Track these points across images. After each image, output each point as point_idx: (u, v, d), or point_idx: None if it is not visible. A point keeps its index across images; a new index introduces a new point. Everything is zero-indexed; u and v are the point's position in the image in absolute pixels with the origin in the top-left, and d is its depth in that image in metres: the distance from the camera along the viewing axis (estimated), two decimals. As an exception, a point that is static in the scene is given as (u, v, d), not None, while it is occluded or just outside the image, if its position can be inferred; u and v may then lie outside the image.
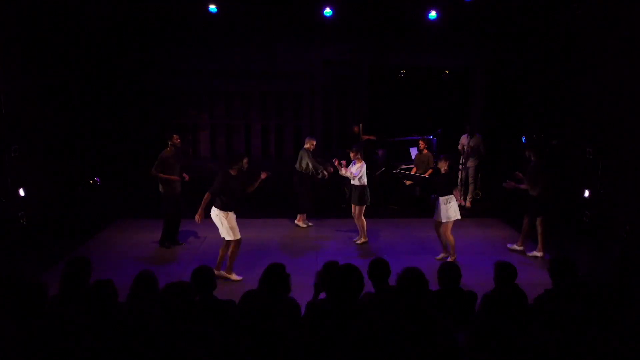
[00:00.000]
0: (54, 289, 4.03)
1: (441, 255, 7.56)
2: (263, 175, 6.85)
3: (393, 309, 3.55)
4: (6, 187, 7.87)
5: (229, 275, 6.69)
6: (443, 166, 7.42)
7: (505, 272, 4.17)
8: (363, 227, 8.22)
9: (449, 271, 4.23)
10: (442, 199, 7.32)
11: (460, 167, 10.41)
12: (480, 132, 10.69)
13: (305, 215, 9.18)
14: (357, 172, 7.98)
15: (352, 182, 8.15)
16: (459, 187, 10.53)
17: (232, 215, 6.64)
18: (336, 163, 8.29)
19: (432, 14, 10.09)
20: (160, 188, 7.73)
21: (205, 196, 6.53)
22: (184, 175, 7.89)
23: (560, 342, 3.26)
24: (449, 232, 7.39)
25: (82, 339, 3.20)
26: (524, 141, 11.28)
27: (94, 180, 10.32)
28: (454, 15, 10.35)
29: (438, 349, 3.13)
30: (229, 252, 6.71)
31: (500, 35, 10.99)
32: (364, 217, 8.21)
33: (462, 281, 4.26)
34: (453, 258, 7.38)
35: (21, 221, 8.08)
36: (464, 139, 10.56)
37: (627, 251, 7.27)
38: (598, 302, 3.80)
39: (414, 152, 10.82)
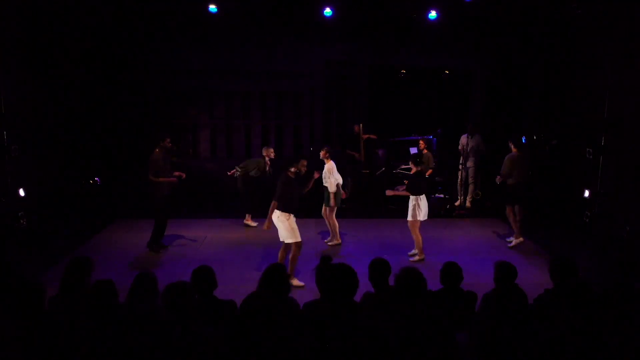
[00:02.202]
0: (54, 289, 4.04)
1: (413, 252, 7.60)
2: (316, 175, 6.95)
3: (392, 308, 3.54)
4: (6, 187, 7.86)
5: (291, 281, 6.49)
6: (413, 167, 7.51)
7: (505, 272, 4.17)
8: (334, 228, 8.15)
9: (451, 271, 4.23)
10: (411, 198, 7.39)
11: (460, 167, 10.41)
12: (480, 132, 10.69)
13: (250, 214, 9.31)
14: (333, 178, 7.90)
15: (323, 182, 8.05)
16: (459, 187, 10.53)
17: (293, 217, 6.58)
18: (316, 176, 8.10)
19: (432, 14, 10.08)
20: (149, 190, 7.62)
21: (272, 205, 6.54)
22: (181, 174, 7.79)
23: (560, 342, 3.26)
24: (416, 230, 7.46)
25: (82, 339, 3.20)
26: (524, 141, 11.29)
27: (94, 180, 10.32)
28: (454, 16, 10.34)
29: (438, 349, 3.13)
30: (290, 256, 6.58)
31: (500, 36, 10.99)
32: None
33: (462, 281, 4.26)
34: (419, 258, 7.46)
35: (21, 221, 8.07)
36: (463, 139, 10.56)
37: (627, 251, 7.27)
38: (598, 302, 3.80)
39: (414, 152, 10.82)
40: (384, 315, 3.47)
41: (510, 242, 8.28)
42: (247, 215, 9.33)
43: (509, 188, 8.19)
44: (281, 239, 6.64)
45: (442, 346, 3.14)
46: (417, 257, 7.49)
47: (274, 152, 9.42)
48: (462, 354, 3.13)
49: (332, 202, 7.95)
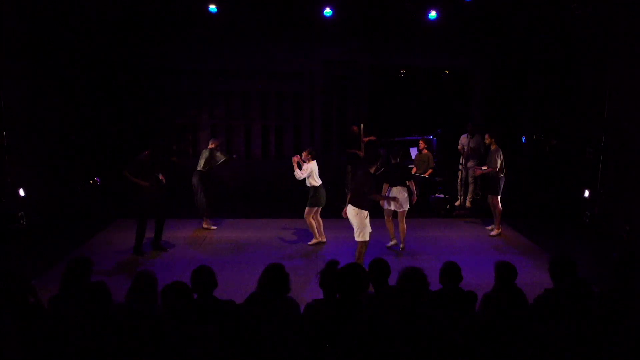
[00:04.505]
0: (54, 289, 4.05)
1: (391, 243, 7.99)
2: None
3: (393, 308, 3.55)
4: (6, 187, 7.86)
5: None
6: (392, 160, 7.95)
7: (505, 271, 4.17)
8: (312, 228, 8.07)
9: (451, 271, 4.23)
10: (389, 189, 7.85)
11: (460, 167, 10.42)
12: (480, 132, 10.69)
13: (208, 218, 8.94)
14: (303, 173, 7.85)
15: (306, 183, 7.99)
16: (459, 187, 10.54)
17: (366, 214, 6.68)
18: (294, 160, 8.03)
19: (432, 14, 10.08)
20: (132, 191, 7.44)
21: (349, 195, 6.80)
22: (161, 177, 7.51)
23: (560, 342, 3.26)
24: (388, 219, 7.93)
25: (82, 338, 3.20)
26: (524, 141, 11.30)
27: (94, 180, 10.32)
28: (454, 15, 10.35)
29: (438, 348, 3.14)
30: (356, 253, 6.70)
31: (500, 35, 11.00)
32: (320, 218, 8.14)
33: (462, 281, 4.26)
34: (392, 244, 7.97)
35: (21, 221, 8.07)
36: (463, 139, 10.56)
37: (627, 251, 7.26)
38: (598, 302, 3.81)
39: (414, 152, 10.82)
40: (386, 315, 3.47)
41: (492, 230, 8.81)
42: (205, 218, 8.90)
43: (492, 180, 8.59)
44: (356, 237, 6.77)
45: (442, 346, 3.14)
46: (391, 243, 7.92)
47: (219, 144, 8.99)
48: (461, 353, 3.13)
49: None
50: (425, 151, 10.34)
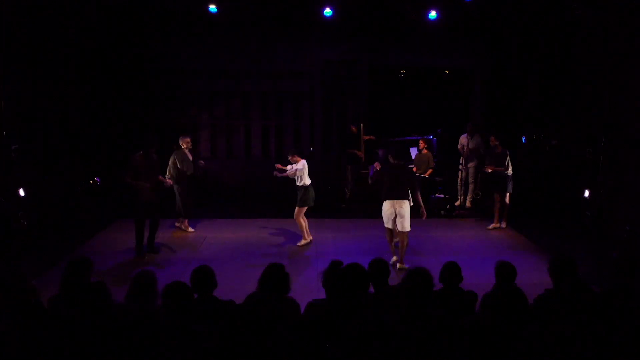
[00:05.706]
0: (54, 289, 4.05)
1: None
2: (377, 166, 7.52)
3: (393, 308, 3.55)
4: (6, 187, 7.86)
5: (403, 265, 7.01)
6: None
7: (505, 271, 4.17)
8: (302, 228, 8.09)
9: (451, 271, 4.23)
10: None
11: (461, 167, 10.41)
12: (480, 132, 10.68)
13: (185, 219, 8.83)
14: (294, 167, 7.94)
15: (295, 182, 8.02)
16: (459, 187, 10.54)
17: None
18: (278, 167, 8.23)
19: (432, 14, 10.08)
20: (130, 193, 7.48)
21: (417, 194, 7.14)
22: (165, 180, 7.70)
23: (560, 342, 3.26)
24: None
25: (82, 338, 3.20)
26: (524, 141, 11.29)
27: (94, 180, 10.31)
28: (454, 15, 10.35)
29: (438, 348, 3.14)
30: (405, 244, 7.15)
31: (500, 35, 10.99)
32: (306, 217, 8.14)
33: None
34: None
35: (21, 221, 8.06)
36: (463, 139, 10.56)
37: (627, 251, 7.27)
38: (598, 302, 3.80)
39: (414, 152, 10.82)
40: (386, 315, 3.47)
41: (499, 225, 9.16)
42: (184, 219, 8.80)
43: (502, 179, 8.95)
44: (401, 228, 7.09)
45: (442, 346, 3.14)
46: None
47: (190, 141, 8.81)
48: (461, 353, 3.13)
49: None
50: (425, 151, 10.33)
